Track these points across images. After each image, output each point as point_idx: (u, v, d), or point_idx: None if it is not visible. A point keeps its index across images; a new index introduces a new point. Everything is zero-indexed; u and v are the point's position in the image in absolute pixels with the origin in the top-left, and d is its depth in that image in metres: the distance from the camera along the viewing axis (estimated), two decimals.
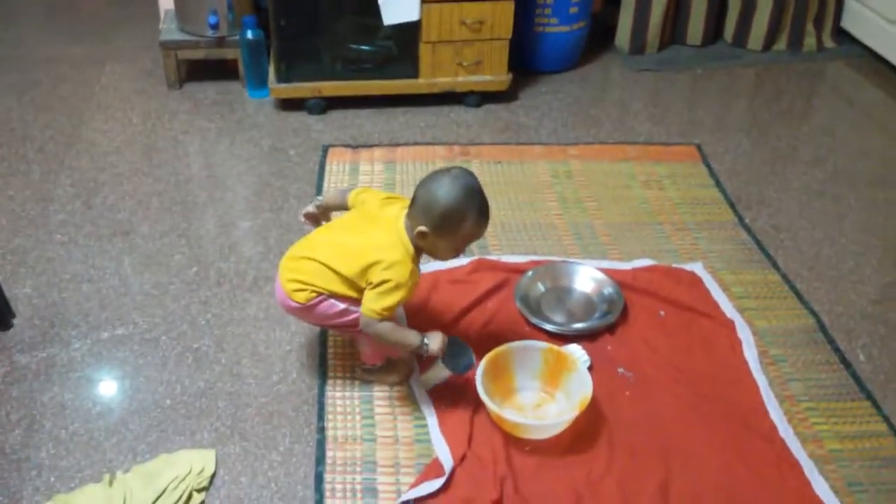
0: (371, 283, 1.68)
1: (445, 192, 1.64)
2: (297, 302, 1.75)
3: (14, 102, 3.03)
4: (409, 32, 2.89)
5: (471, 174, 1.70)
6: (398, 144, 2.82)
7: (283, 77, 2.93)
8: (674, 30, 3.52)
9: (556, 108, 3.09)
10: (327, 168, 2.68)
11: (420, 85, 2.98)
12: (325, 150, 2.77)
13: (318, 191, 2.57)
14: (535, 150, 2.82)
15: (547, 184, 2.64)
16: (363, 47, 2.98)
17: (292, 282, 1.75)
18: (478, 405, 1.81)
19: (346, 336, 1.98)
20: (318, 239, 1.81)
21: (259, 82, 3.04)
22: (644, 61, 3.42)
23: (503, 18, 2.88)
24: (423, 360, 1.91)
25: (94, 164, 2.70)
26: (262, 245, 2.36)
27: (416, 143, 2.83)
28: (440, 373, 1.86)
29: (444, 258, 1.78)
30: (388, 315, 1.69)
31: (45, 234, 2.38)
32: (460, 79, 2.98)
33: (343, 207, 1.87)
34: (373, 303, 1.67)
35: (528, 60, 3.26)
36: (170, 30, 3.05)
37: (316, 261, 1.73)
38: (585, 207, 2.53)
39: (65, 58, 3.34)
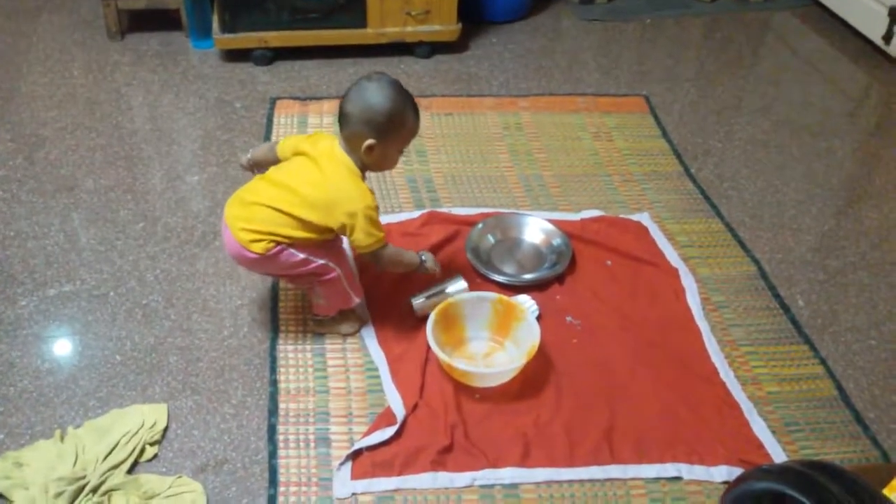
0: (345, 226, 1.68)
1: (381, 96, 1.66)
2: (254, 252, 1.70)
3: None
4: None
5: (386, 74, 1.71)
6: None
7: (227, 27, 2.86)
8: None
9: (507, 58, 3.09)
10: (275, 121, 2.65)
11: (368, 35, 2.94)
12: (273, 102, 2.73)
13: None
14: (486, 101, 2.82)
15: (498, 136, 2.65)
16: None
17: (247, 231, 1.70)
18: (429, 355, 1.84)
19: (301, 287, 1.98)
20: (264, 186, 1.75)
21: (203, 33, 2.97)
22: (594, 11, 3.42)
23: None
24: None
25: (35, 118, 2.62)
26: (209, 199, 2.33)
27: None
28: (432, 296, 1.92)
29: (392, 165, 1.78)
30: (384, 237, 1.72)
31: None
32: (409, 29, 2.95)
33: (275, 161, 1.84)
34: (366, 239, 1.69)
35: (478, 10, 3.23)
36: None
37: (270, 207, 1.69)
38: (535, 159, 2.54)
39: None
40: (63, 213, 2.26)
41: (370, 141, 1.66)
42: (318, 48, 2.95)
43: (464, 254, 2.12)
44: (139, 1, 2.95)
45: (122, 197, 2.32)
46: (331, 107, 2.73)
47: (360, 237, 1.69)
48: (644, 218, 2.31)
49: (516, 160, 2.54)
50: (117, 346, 1.90)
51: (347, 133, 1.69)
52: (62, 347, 1.90)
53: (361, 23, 2.91)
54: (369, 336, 1.93)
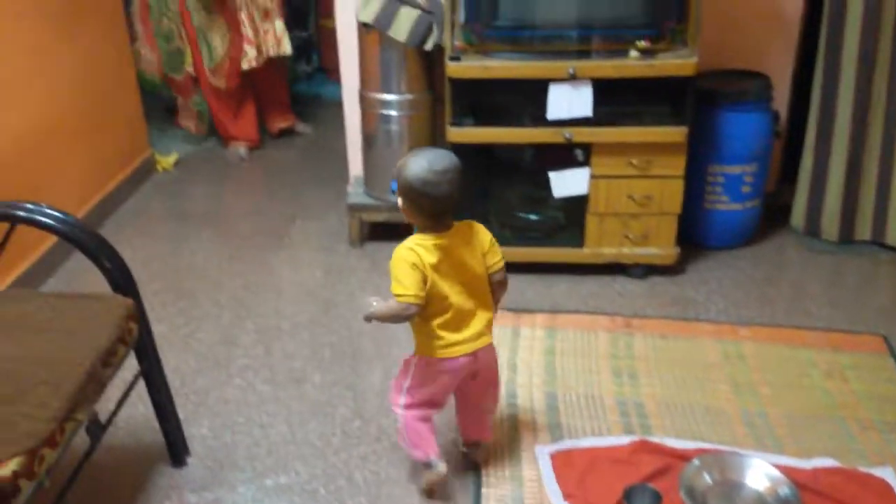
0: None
1: (434, 160, 1.94)
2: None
3: (213, 252, 3.34)
4: (576, 204, 2.96)
5: (420, 151, 1.99)
6: (559, 311, 2.83)
7: None
8: (874, 226, 3.23)
9: (726, 284, 3.02)
10: None
11: (585, 255, 3.02)
12: None
13: None
14: (704, 326, 2.74)
15: (716, 364, 2.54)
16: (531, 216, 3.08)
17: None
18: None
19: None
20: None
21: None
22: (822, 243, 3.29)
23: (672, 195, 2.90)
24: None
25: (278, 312, 2.89)
26: None
27: (577, 312, 2.83)
28: None
29: None
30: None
31: (226, 377, 2.54)
32: (626, 250, 3.00)
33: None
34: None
35: (697, 235, 3.23)
36: (357, 193, 3.31)
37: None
38: (759, 394, 2.40)
39: (261, 212, 3.69)
40: (289, 405, 2.41)
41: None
42: (535, 264, 3.06)
43: (677, 492, 1.99)
44: (380, 215, 3.26)
45: (343, 393, 2.45)
46: (543, 320, 2.78)
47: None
48: (888, 474, 2.06)
49: (737, 392, 2.40)
50: None
51: (433, 214, 1.96)
52: None
53: (579, 243, 3.01)
54: None
